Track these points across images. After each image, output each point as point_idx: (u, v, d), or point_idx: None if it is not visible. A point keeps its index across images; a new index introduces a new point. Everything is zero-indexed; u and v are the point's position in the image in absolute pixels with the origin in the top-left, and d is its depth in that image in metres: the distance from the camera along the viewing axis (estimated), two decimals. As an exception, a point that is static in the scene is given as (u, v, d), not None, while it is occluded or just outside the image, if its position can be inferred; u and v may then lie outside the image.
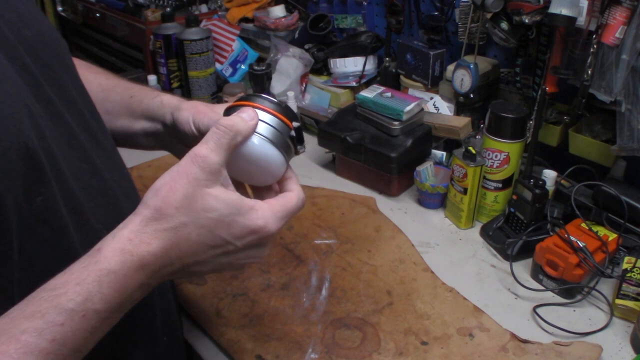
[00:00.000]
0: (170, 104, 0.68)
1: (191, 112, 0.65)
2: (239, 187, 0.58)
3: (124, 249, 0.46)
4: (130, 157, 1.30)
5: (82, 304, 0.43)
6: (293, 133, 0.56)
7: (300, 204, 0.55)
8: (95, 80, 0.68)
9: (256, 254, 0.53)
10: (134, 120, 0.71)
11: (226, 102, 1.40)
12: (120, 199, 0.59)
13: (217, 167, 0.49)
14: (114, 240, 0.47)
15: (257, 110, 0.54)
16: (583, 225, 0.93)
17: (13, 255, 0.45)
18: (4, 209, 0.43)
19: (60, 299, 0.43)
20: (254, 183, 0.57)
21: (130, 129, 0.72)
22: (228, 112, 0.56)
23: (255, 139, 0.53)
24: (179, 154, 0.73)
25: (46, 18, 0.60)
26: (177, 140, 0.70)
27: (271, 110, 0.54)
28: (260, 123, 0.54)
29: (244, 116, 0.53)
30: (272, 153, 0.54)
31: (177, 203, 0.48)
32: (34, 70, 0.51)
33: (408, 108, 1.13)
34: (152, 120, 0.70)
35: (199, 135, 0.64)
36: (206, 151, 0.49)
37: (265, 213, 0.51)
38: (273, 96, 0.56)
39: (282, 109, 0.55)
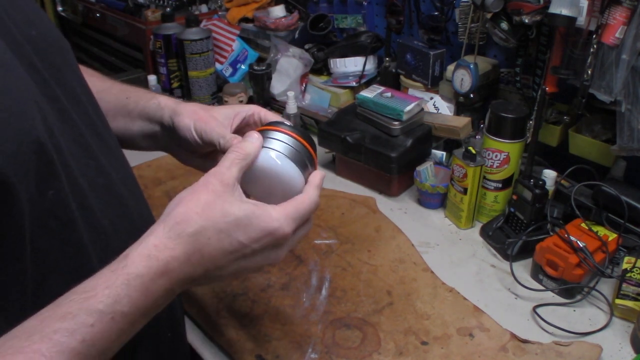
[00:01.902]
0: (168, 107, 0.69)
1: (192, 118, 0.66)
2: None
3: (150, 254, 0.48)
4: (130, 157, 1.30)
5: (111, 306, 0.45)
6: (310, 153, 0.61)
7: (313, 206, 0.57)
8: (89, 82, 0.69)
9: (272, 256, 0.55)
10: (131, 121, 0.72)
11: (226, 102, 1.40)
12: (125, 197, 0.60)
13: (232, 181, 0.54)
14: (140, 246, 0.49)
15: (278, 133, 0.60)
16: (583, 225, 0.93)
17: (26, 250, 0.46)
18: (18, 203, 0.44)
19: (90, 301, 0.44)
20: (278, 202, 0.59)
21: (127, 130, 0.72)
22: (260, 132, 0.62)
23: (273, 155, 0.59)
24: (178, 155, 0.74)
25: (49, 19, 0.60)
26: (175, 143, 0.70)
27: (288, 132, 0.61)
28: (279, 142, 0.60)
29: (248, 139, 0.58)
30: (289, 166, 0.59)
31: (198, 209, 0.51)
32: (40, 68, 0.52)
33: (408, 108, 1.13)
34: (150, 122, 0.71)
35: (202, 143, 0.66)
36: (222, 169, 0.54)
37: (279, 215, 0.53)
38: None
39: (299, 132, 0.61)
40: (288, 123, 0.62)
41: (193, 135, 0.66)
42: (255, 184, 0.60)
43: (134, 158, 1.28)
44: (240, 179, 0.55)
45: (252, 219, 0.52)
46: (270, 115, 0.69)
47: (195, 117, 0.66)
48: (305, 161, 0.60)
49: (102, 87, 0.73)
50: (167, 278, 0.49)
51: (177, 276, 0.49)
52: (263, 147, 0.58)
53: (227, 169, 0.54)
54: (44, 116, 0.48)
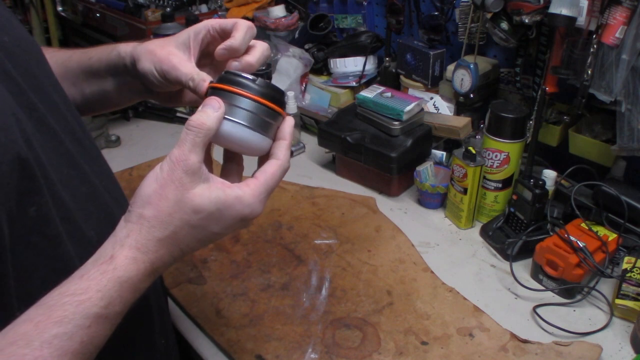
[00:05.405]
0: (127, 54, 0.65)
1: (151, 62, 0.63)
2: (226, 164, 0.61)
3: (136, 257, 0.49)
4: (130, 157, 1.31)
5: (105, 308, 0.46)
6: (272, 110, 0.57)
7: (283, 172, 0.56)
8: (52, 59, 0.66)
9: (241, 227, 0.56)
10: (103, 80, 0.69)
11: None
12: (109, 205, 0.59)
13: (197, 166, 0.51)
14: (123, 249, 0.49)
15: (235, 97, 0.56)
16: (583, 225, 0.93)
17: (7, 268, 0.45)
18: None
19: (85, 305, 0.45)
20: (246, 154, 0.59)
21: (103, 90, 0.70)
22: (212, 90, 0.57)
23: (228, 126, 0.55)
24: (159, 98, 0.71)
25: (21, 24, 0.58)
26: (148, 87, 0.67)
27: (246, 94, 0.56)
28: (236, 109, 0.56)
29: (208, 111, 0.53)
30: (249, 134, 0.56)
31: (170, 209, 0.51)
32: (15, 76, 0.50)
33: (408, 108, 1.13)
34: (119, 75, 0.68)
35: (170, 84, 0.62)
36: (185, 154, 0.51)
37: (250, 200, 0.53)
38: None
39: (258, 89, 0.57)
40: (246, 76, 0.57)
41: (158, 79, 0.62)
42: (222, 143, 0.58)
43: (134, 158, 1.29)
44: (204, 155, 0.53)
45: (224, 211, 0.52)
46: (224, 23, 0.63)
47: (154, 60, 0.62)
48: (268, 121, 0.57)
49: (63, 57, 0.70)
50: (153, 275, 0.51)
51: (161, 271, 0.52)
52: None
53: (190, 152, 0.51)
54: (22, 128, 0.46)
